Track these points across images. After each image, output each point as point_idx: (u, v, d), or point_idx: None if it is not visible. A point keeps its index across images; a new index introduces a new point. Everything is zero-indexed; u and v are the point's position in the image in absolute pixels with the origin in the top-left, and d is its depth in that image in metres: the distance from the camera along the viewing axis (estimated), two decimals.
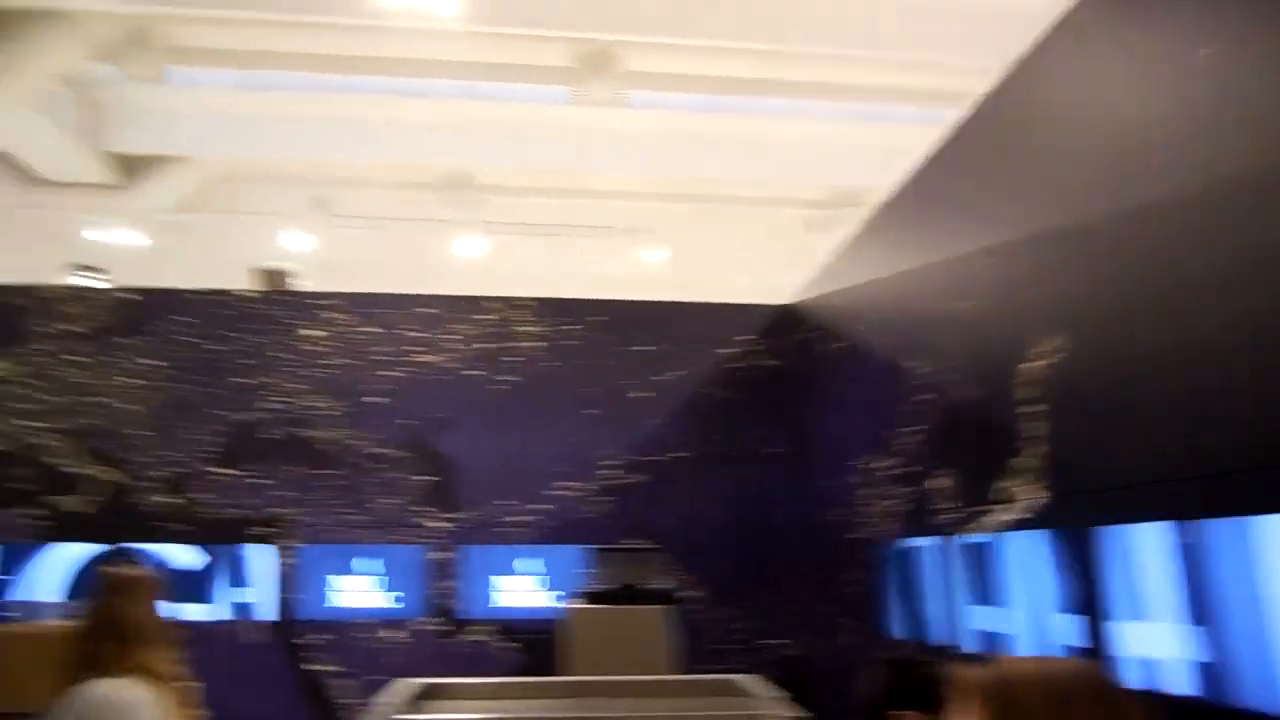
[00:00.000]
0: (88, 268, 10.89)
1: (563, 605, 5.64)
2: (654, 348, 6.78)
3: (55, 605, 5.83)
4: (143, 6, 11.56)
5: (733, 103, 12.15)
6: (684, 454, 6.61)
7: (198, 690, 2.67)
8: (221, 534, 6.26)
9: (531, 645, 6.18)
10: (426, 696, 3.47)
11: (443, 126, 14.14)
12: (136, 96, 14.24)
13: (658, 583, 5.37)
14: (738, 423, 6.69)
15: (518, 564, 6.49)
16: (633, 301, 7.02)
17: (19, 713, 3.64)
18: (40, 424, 6.26)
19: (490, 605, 6.43)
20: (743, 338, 6.86)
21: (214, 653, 5.69)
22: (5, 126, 13.14)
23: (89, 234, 14.94)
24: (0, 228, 15.29)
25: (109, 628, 2.52)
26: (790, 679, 3.54)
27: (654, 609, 5.04)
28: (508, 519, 6.46)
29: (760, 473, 6.59)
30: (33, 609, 5.83)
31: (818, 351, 6.49)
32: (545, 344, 6.74)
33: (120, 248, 15.04)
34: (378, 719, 3.11)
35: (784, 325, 6.86)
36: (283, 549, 6.31)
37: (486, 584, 6.46)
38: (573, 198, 15.75)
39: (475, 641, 6.30)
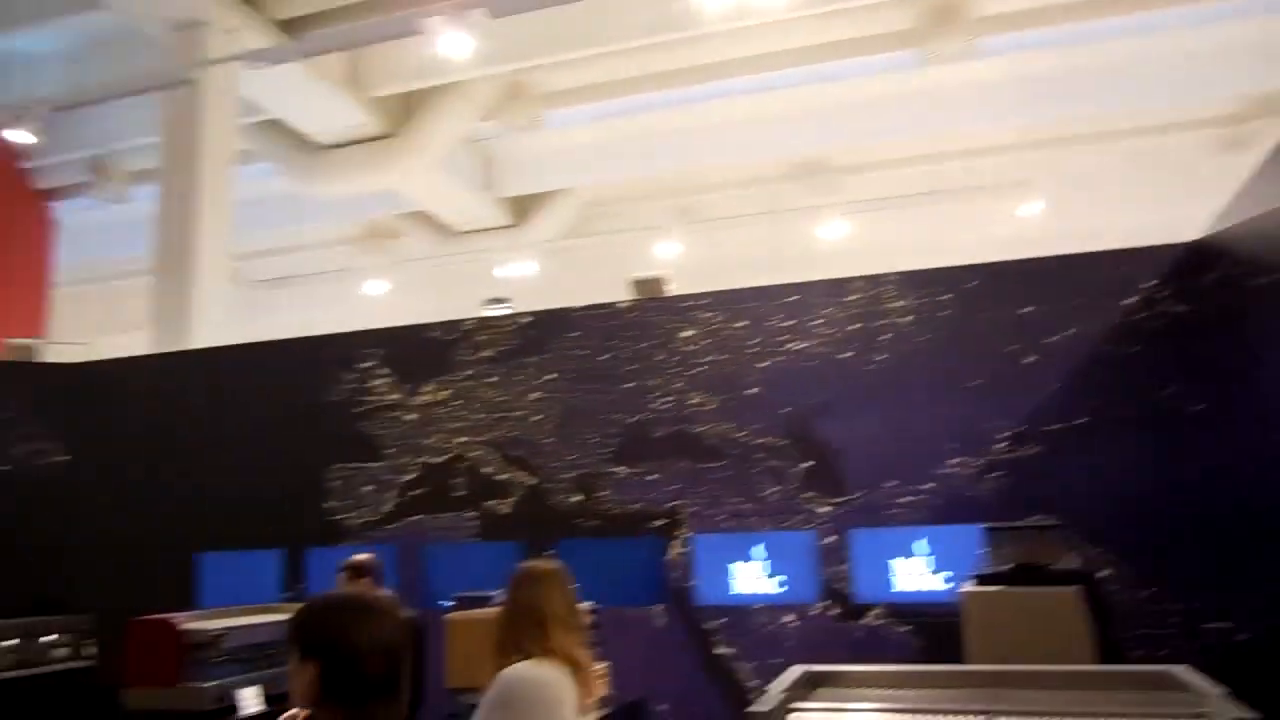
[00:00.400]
0: (496, 299, 12.41)
1: (959, 588, 5.36)
2: (1040, 307, 6.20)
3: (492, 596, 6.68)
4: (512, 64, 12.96)
5: (1100, 28, 10.74)
6: (1084, 420, 5.97)
7: (606, 670, 2.90)
8: (625, 527, 6.79)
9: (929, 630, 5.94)
10: (822, 684, 3.46)
11: (791, 116, 14.21)
12: (519, 144, 16.05)
13: (1063, 562, 4.89)
14: (1147, 381, 5.90)
15: (911, 546, 6.29)
16: (1009, 261, 6.46)
17: (470, 688, 4.21)
18: (470, 438, 7.27)
19: (884, 589, 6.29)
20: (1146, 284, 6.03)
21: (627, 636, 6.16)
22: (425, 190, 15.50)
23: (496, 271, 17.05)
24: (427, 275, 18.02)
25: (527, 615, 2.82)
26: (1232, 670, 3.03)
27: (1065, 590, 4.59)
28: (895, 500, 6.28)
29: (1178, 434, 5.75)
30: (477, 599, 6.73)
31: (1242, 289, 5.53)
32: (916, 317, 6.45)
33: (519, 278, 16.98)
34: (776, 705, 3.15)
35: (1196, 264, 5.94)
36: (679, 538, 6.69)
37: (878, 567, 6.32)
38: (932, 163, 15.03)
39: (870, 626, 6.20)
